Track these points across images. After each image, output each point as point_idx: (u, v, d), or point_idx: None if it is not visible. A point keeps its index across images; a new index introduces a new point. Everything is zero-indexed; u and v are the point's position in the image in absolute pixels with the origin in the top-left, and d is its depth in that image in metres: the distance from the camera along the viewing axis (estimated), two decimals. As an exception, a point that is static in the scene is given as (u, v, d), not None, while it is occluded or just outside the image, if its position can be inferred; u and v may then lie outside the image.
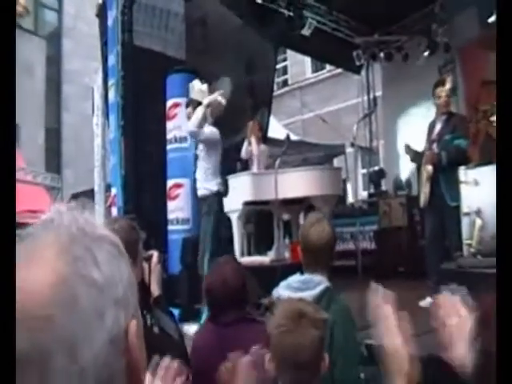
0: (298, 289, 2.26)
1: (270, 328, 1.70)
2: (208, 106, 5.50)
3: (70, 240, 0.59)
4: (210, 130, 5.53)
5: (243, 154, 7.52)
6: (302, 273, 2.40)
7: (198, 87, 5.78)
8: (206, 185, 5.55)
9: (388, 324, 1.16)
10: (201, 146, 5.69)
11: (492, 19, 7.15)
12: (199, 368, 2.31)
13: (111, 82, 7.88)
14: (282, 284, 2.39)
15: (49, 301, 0.55)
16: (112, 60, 7.82)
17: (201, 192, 5.66)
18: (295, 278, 2.36)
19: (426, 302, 4.89)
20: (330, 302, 2.22)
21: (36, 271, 0.56)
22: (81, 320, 0.56)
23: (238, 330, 2.31)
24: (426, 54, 9.34)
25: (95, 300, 0.58)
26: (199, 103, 5.57)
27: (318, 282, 2.28)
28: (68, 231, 0.60)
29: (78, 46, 18.92)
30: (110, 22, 7.87)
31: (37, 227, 0.61)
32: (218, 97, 5.57)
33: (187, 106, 5.93)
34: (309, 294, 2.20)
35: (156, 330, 2.16)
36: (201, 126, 5.36)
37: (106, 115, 8.57)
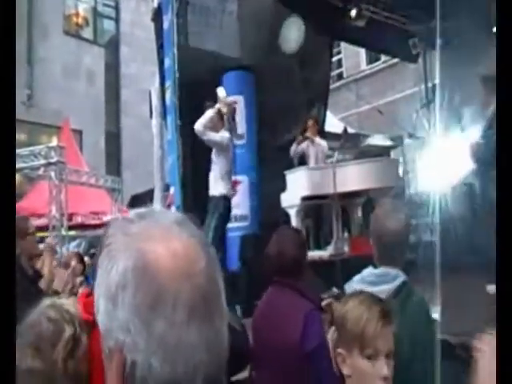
0: (373, 283, 2.12)
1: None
2: (219, 111, 5.74)
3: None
4: (219, 136, 5.75)
5: (292, 153, 7.53)
6: (372, 266, 2.26)
7: (221, 95, 6.02)
8: (215, 186, 5.73)
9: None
10: (213, 150, 5.85)
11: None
12: (254, 326, 2.61)
13: (168, 83, 8.04)
14: (356, 278, 2.26)
15: (198, 257, 0.68)
16: (168, 62, 7.98)
17: (210, 193, 5.80)
18: (369, 272, 2.22)
19: (492, 287, 4.80)
20: (408, 296, 2.09)
21: (177, 241, 0.68)
22: (219, 272, 0.71)
23: (286, 295, 2.49)
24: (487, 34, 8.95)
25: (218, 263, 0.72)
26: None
27: (395, 276, 2.12)
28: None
29: (135, 51, 19.44)
30: (165, 26, 8.03)
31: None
32: (224, 108, 5.85)
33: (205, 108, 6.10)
34: (385, 288, 2.07)
35: None
36: (205, 126, 5.60)
37: (164, 117, 8.76)
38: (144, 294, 0.65)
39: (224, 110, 5.81)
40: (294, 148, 7.54)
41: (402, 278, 2.13)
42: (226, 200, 5.70)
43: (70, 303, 1.32)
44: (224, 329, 0.69)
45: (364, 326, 1.58)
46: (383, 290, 2.04)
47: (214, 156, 5.87)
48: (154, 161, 9.28)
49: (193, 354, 0.64)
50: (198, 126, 5.60)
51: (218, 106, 5.80)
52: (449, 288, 5.27)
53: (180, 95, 7.55)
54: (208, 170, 6.54)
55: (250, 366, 2.60)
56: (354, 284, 2.21)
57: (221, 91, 6.05)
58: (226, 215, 5.75)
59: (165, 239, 0.68)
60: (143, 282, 0.65)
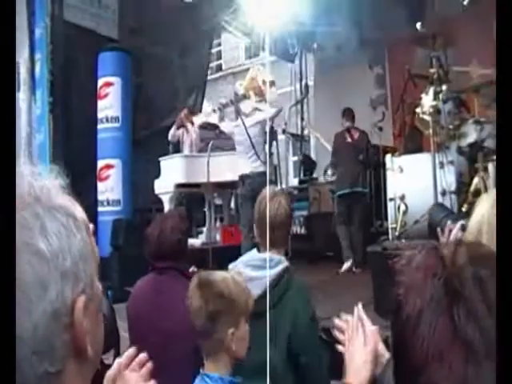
0: (257, 266, 2.14)
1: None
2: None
3: (20, 206, 0.58)
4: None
5: (170, 137, 7.50)
6: (257, 250, 2.29)
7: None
8: (239, 168, 6.05)
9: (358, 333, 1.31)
10: None
11: (419, 24, 7.54)
12: (135, 312, 2.54)
13: (38, 55, 7.54)
14: (241, 260, 2.26)
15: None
16: (39, 33, 7.49)
17: None
18: (252, 256, 2.24)
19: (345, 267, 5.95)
20: (290, 281, 2.16)
21: None
22: (21, 288, 0.55)
23: (170, 278, 2.48)
24: (355, 46, 9.63)
25: (39, 270, 0.56)
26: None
27: (278, 261, 2.17)
28: (20, 196, 0.59)
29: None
30: (37, -8, 7.52)
31: None
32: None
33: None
34: (269, 273, 2.10)
35: None
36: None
37: (33, 90, 8.21)
38: None
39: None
40: (172, 132, 7.50)
41: (284, 264, 2.18)
42: (246, 178, 5.83)
43: None
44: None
45: None
46: (266, 274, 2.07)
47: None
48: (20, 138, 8.63)
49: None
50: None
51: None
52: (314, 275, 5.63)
53: (52, 70, 7.14)
54: (79, 151, 6.28)
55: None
56: (240, 266, 2.21)
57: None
58: (247, 192, 5.79)
59: None
60: None
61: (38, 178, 0.63)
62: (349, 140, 6.49)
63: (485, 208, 1.37)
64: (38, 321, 0.56)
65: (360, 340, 1.30)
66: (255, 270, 2.12)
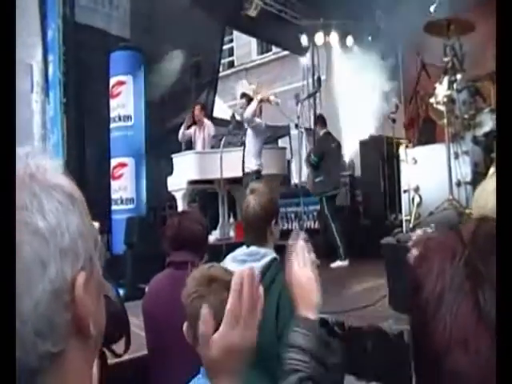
0: (244, 261, 2.20)
1: (183, 299, 1.71)
2: (261, 101, 6.51)
3: (18, 186, 0.58)
4: (259, 120, 6.55)
5: (180, 137, 7.50)
6: (246, 246, 2.33)
7: (246, 86, 7.11)
8: (248, 164, 6.42)
9: (298, 255, 1.27)
10: (249, 132, 6.58)
11: (433, 7, 7.40)
12: (151, 308, 2.51)
13: (51, 57, 7.60)
14: (228, 257, 2.33)
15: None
16: (51, 35, 7.54)
17: (245, 170, 6.48)
18: (241, 251, 2.30)
19: (335, 263, 6.25)
20: (277, 272, 2.19)
21: None
22: (22, 267, 0.54)
23: (187, 274, 2.44)
24: (369, 38, 9.53)
25: (38, 248, 0.56)
26: (250, 97, 6.75)
27: (264, 254, 2.24)
28: (17, 177, 0.59)
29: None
30: (49, -5, 7.58)
31: None
32: (271, 97, 6.82)
33: (241, 97, 7.05)
34: (255, 266, 2.09)
35: None
36: (254, 115, 6.37)
37: (46, 92, 8.27)
38: None
39: (266, 97, 6.61)
40: (181, 131, 7.49)
41: (271, 255, 2.24)
42: (258, 174, 6.38)
43: None
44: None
45: None
46: (252, 267, 2.11)
47: (250, 138, 6.52)
48: (33, 139, 8.73)
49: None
50: (249, 115, 6.36)
51: (259, 97, 6.51)
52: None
53: (65, 71, 7.19)
54: (93, 150, 6.30)
55: (148, 346, 2.53)
56: (227, 263, 2.26)
57: (246, 85, 7.23)
58: None
59: None
60: None
61: (34, 158, 0.62)
62: (332, 145, 6.98)
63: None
64: (38, 300, 0.55)
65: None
66: (241, 264, 2.16)
